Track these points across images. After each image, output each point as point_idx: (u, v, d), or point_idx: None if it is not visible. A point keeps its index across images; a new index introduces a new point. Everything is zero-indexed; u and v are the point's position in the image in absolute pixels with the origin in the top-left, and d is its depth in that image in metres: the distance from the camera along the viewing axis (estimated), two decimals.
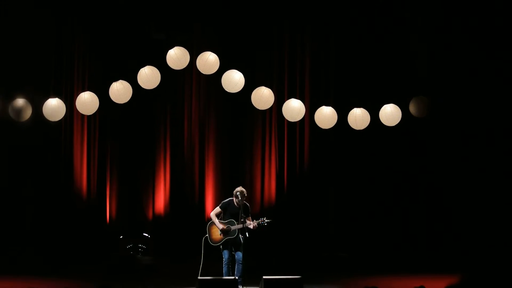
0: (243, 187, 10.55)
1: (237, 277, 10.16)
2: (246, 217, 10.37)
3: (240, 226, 10.25)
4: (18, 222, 14.18)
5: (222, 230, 10.36)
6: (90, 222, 14.46)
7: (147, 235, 14.37)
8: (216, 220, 10.46)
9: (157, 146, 14.93)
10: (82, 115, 14.17)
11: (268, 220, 10.43)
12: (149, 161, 14.91)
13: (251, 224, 10.33)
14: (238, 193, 10.35)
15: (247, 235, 10.15)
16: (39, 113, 11.59)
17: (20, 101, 11.39)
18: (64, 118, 13.05)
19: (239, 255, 10.35)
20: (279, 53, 14.92)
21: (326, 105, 12.00)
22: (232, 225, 10.36)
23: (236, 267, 10.36)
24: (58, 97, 11.77)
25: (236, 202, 10.37)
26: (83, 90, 12.52)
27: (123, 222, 14.68)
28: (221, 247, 10.44)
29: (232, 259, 10.42)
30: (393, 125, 11.94)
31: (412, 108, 12.39)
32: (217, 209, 10.60)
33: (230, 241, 10.37)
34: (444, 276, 11.84)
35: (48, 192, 14.39)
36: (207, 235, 10.52)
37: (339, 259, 14.05)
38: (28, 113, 11.44)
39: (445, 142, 14.26)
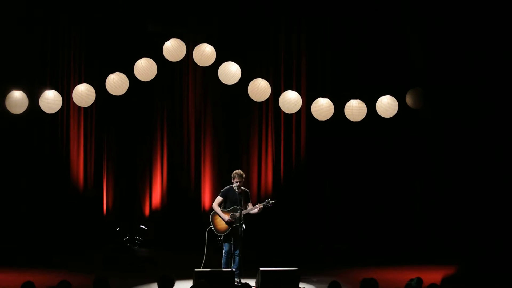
0: None
1: (234, 269, 10.18)
2: (247, 202, 10.39)
3: (245, 212, 10.26)
4: (15, 214, 14.15)
5: (227, 222, 10.36)
6: (87, 214, 14.46)
7: (143, 227, 14.38)
8: (219, 211, 10.45)
9: (154, 137, 14.94)
10: (79, 107, 14.16)
11: (273, 201, 10.48)
12: (146, 152, 14.92)
13: (255, 208, 10.35)
14: (235, 175, 10.35)
15: (244, 227, 10.19)
16: (36, 105, 11.55)
17: (15, 93, 11.33)
18: (61, 110, 13.06)
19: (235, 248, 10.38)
20: (276, 45, 14.90)
21: (323, 96, 11.98)
22: (236, 212, 10.35)
23: (233, 259, 10.39)
24: (55, 89, 11.73)
25: (235, 187, 10.36)
26: (80, 82, 12.48)
27: (120, 214, 14.69)
28: (222, 238, 10.47)
29: (232, 251, 10.45)
30: (390, 116, 11.93)
31: (409, 100, 12.37)
32: (218, 198, 10.60)
33: (232, 232, 10.38)
34: (441, 267, 11.89)
35: (45, 184, 14.38)
36: (212, 226, 10.53)
37: (336, 250, 14.08)
38: (23, 105, 11.38)
39: (441, 133, 14.26)
